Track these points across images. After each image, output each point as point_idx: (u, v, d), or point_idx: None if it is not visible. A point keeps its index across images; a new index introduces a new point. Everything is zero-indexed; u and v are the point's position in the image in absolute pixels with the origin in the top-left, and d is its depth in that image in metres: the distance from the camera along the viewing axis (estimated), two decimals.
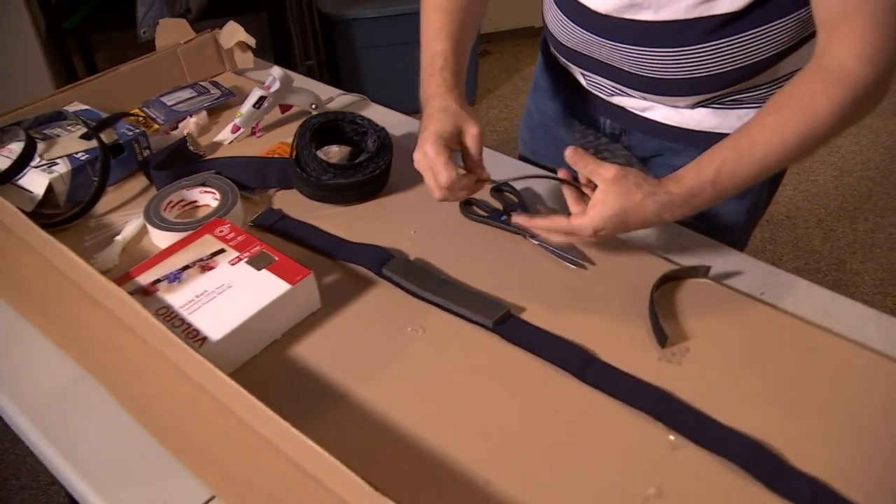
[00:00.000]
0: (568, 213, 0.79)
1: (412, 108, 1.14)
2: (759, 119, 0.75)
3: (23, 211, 0.84)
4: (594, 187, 0.77)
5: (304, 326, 0.81)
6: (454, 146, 0.83)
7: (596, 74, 0.97)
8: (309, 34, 2.54)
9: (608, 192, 0.75)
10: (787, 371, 0.74)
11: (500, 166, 1.05)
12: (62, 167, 0.98)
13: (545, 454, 0.67)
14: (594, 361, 0.75)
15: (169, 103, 1.16)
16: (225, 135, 1.12)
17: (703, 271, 0.85)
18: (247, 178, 1.00)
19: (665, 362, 0.75)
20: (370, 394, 0.73)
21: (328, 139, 1.03)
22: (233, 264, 0.81)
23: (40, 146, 1.01)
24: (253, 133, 1.13)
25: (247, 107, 1.10)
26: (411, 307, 0.82)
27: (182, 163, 1.03)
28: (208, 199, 0.98)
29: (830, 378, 0.74)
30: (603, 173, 0.76)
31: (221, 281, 0.79)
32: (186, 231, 0.89)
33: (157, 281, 0.80)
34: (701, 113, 0.93)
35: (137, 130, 1.05)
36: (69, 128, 1.06)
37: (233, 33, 1.28)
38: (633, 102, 0.97)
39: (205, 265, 0.81)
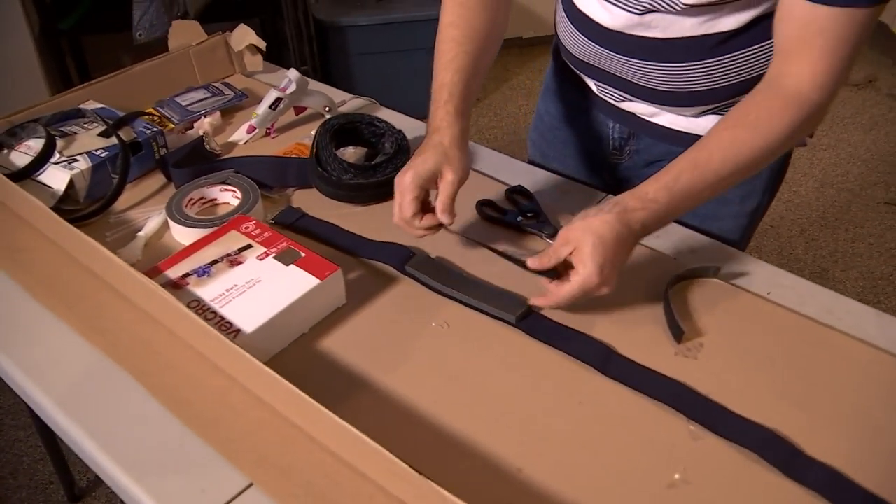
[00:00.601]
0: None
1: (405, 113, 1.20)
2: (715, 134, 0.78)
3: None
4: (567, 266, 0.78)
5: (331, 321, 0.83)
6: (431, 186, 0.85)
7: (606, 84, 1.01)
8: (304, 40, 2.56)
9: (579, 242, 0.75)
10: (795, 365, 0.78)
11: (508, 170, 1.08)
12: (82, 163, 0.99)
13: (573, 443, 0.70)
14: (614, 356, 0.78)
15: (183, 103, 1.17)
16: (240, 135, 1.13)
17: (713, 271, 0.88)
18: (266, 176, 1.02)
19: (681, 357, 0.79)
20: (399, 386, 0.75)
21: (345, 140, 1.05)
22: (261, 259, 0.83)
23: (59, 143, 1.02)
24: (268, 134, 1.15)
25: (263, 108, 1.12)
26: (434, 303, 0.85)
27: (199, 161, 1.05)
28: (228, 196, 0.99)
29: (836, 372, 0.77)
30: (560, 240, 0.77)
31: (250, 275, 0.81)
32: (209, 228, 0.90)
33: (187, 275, 0.81)
34: (707, 119, 0.97)
35: (155, 129, 1.07)
36: (86, 125, 1.07)
37: (243, 36, 1.30)
38: (642, 108, 1.01)
39: (233, 260, 0.83)
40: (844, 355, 0.79)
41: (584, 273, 0.74)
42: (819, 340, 0.81)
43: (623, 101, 1.02)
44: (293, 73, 1.12)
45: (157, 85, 1.21)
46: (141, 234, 0.94)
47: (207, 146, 1.08)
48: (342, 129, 1.02)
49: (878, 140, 2.89)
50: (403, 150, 1.01)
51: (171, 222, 0.94)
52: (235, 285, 0.80)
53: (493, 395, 0.74)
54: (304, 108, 1.18)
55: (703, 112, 0.96)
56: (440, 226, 0.86)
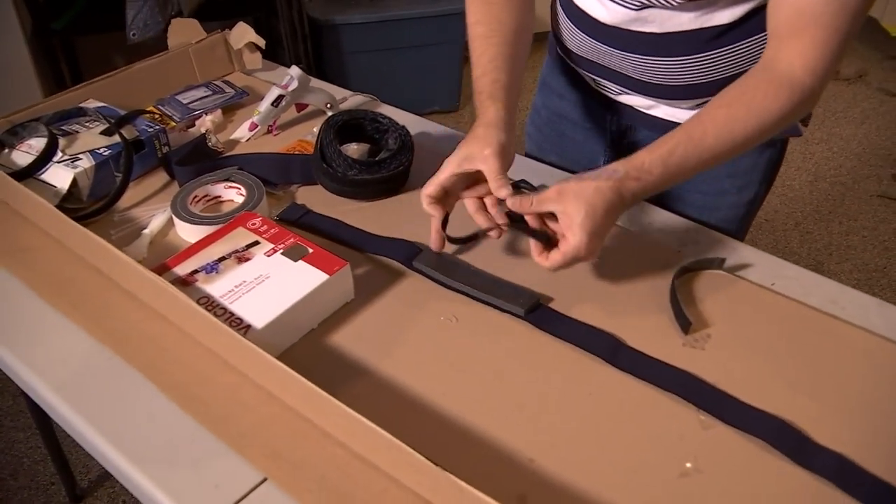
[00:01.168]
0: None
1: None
2: (710, 111, 0.80)
3: None
4: (545, 227, 0.79)
5: (340, 316, 0.83)
6: (471, 166, 0.82)
7: (603, 78, 1.02)
8: (299, 38, 2.56)
9: (570, 208, 0.76)
10: (801, 355, 0.79)
11: None
12: (85, 162, 0.99)
13: (584, 433, 0.70)
14: (623, 347, 0.78)
15: (184, 101, 1.17)
16: (242, 132, 1.13)
17: (718, 263, 0.89)
18: (269, 173, 1.02)
19: (689, 348, 0.79)
20: (409, 379, 0.75)
21: (348, 137, 1.05)
22: (268, 256, 0.83)
23: (61, 142, 1.02)
24: (269, 131, 1.15)
25: (265, 105, 1.12)
26: (442, 298, 0.85)
27: (202, 159, 1.05)
28: (233, 194, 1.00)
29: (842, 361, 0.78)
30: (551, 193, 0.78)
31: (259, 272, 0.81)
32: (214, 225, 0.90)
33: (195, 272, 0.81)
34: None
35: (157, 127, 1.07)
36: (87, 124, 1.07)
37: (243, 34, 1.30)
38: (639, 101, 1.01)
39: (241, 256, 0.83)
40: (850, 344, 0.80)
41: (574, 243, 0.75)
42: (824, 330, 0.82)
43: (620, 94, 1.03)
44: (295, 71, 1.12)
45: (156, 83, 1.21)
46: (146, 231, 0.94)
47: (210, 144, 1.08)
48: (346, 126, 1.02)
49: (869, 134, 2.91)
50: (407, 146, 1.01)
51: (176, 220, 0.94)
52: (244, 281, 0.80)
53: (502, 388, 0.75)
54: (306, 106, 1.18)
55: (700, 104, 0.97)
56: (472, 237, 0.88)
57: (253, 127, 1.13)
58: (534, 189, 1.01)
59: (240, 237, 0.86)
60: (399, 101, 1.28)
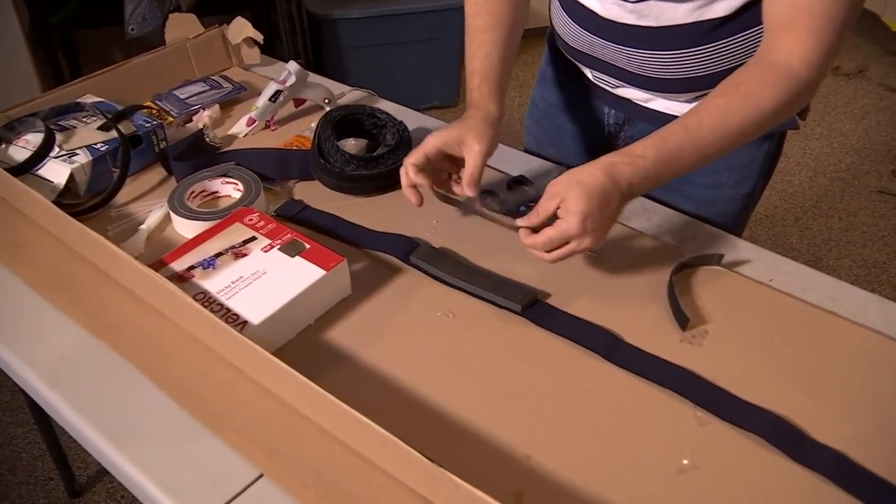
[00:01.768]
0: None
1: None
2: (707, 101, 0.80)
3: None
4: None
5: (337, 312, 0.83)
6: (453, 151, 0.86)
7: (601, 72, 1.02)
8: (297, 33, 2.55)
9: (564, 194, 0.76)
10: (800, 351, 0.79)
11: (508, 159, 1.08)
12: (82, 157, 0.98)
13: (581, 430, 0.70)
14: (620, 343, 0.78)
15: (182, 96, 1.17)
16: (240, 128, 1.13)
17: (716, 259, 0.89)
18: (267, 169, 1.01)
19: (686, 344, 0.79)
20: (405, 375, 0.75)
21: (346, 132, 1.05)
22: (265, 251, 0.83)
23: (58, 137, 1.01)
24: (267, 126, 1.15)
25: (263, 100, 1.12)
26: (440, 293, 0.85)
27: (200, 154, 1.05)
28: (230, 189, 0.99)
29: (840, 358, 0.78)
30: (547, 194, 0.78)
31: (256, 267, 0.81)
32: (212, 220, 0.90)
33: (192, 267, 0.81)
34: None
35: (155, 122, 1.06)
36: (84, 119, 1.07)
37: (240, 29, 1.29)
38: (637, 94, 1.01)
39: (238, 252, 0.83)
40: (848, 341, 0.80)
41: (567, 221, 0.75)
42: (822, 326, 0.81)
43: (618, 87, 1.02)
44: (293, 66, 1.11)
45: (154, 78, 1.21)
46: (143, 227, 0.94)
47: (207, 139, 1.07)
48: (343, 121, 1.02)
49: (869, 129, 2.90)
50: (405, 142, 1.01)
51: (173, 215, 0.94)
52: (241, 277, 0.80)
53: (500, 384, 0.75)
54: (304, 101, 1.18)
55: (698, 98, 0.97)
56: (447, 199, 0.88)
57: (251, 122, 1.13)
58: (531, 184, 1.00)
59: (237, 233, 0.86)
60: (398, 96, 1.27)
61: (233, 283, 0.79)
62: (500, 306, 0.82)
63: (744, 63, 0.88)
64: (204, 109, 1.16)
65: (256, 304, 0.77)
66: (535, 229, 0.79)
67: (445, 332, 0.80)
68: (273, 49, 2.57)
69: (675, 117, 0.99)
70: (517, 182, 1.01)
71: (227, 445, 0.68)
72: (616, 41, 0.93)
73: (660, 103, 1.01)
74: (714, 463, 0.67)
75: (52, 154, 0.99)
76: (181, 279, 0.80)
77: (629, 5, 0.87)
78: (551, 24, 1.08)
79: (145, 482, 0.66)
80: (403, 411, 0.72)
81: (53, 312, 0.83)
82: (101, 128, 1.04)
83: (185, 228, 0.93)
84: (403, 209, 0.98)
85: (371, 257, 0.90)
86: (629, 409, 0.72)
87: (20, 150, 1.00)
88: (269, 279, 0.80)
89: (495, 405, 0.72)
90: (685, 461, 0.67)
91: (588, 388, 0.74)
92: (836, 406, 0.73)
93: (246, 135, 1.13)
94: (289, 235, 0.85)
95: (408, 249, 0.88)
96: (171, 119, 1.13)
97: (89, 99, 1.11)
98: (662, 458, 0.68)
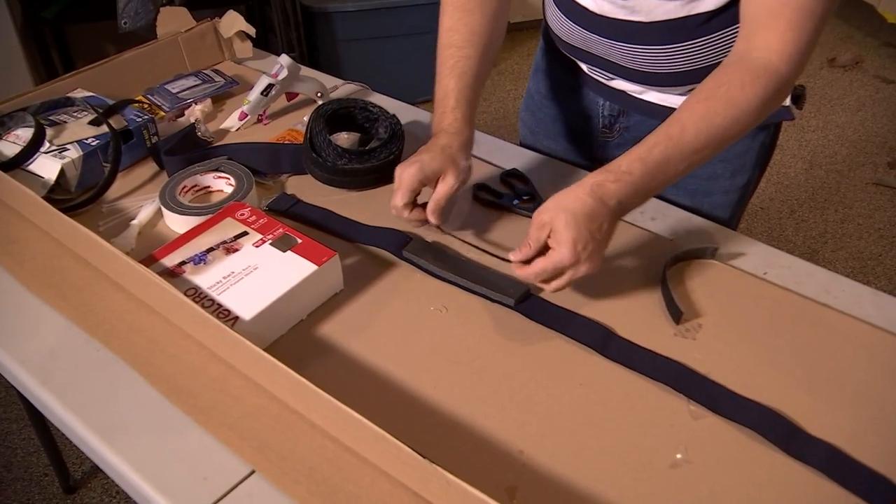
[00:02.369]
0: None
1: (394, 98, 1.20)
2: (688, 107, 0.79)
3: None
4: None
5: (329, 307, 0.82)
6: (430, 184, 0.87)
7: (594, 66, 1.01)
8: (291, 26, 2.54)
9: (552, 222, 0.75)
10: (794, 345, 0.78)
11: (502, 153, 1.08)
12: (73, 152, 0.98)
13: (574, 424, 0.70)
14: (614, 337, 0.78)
15: (173, 91, 1.16)
16: (232, 122, 1.12)
17: (710, 252, 0.88)
18: (259, 163, 1.01)
19: (680, 337, 0.79)
20: (398, 370, 0.75)
21: (338, 126, 1.04)
22: (257, 246, 0.82)
23: (49, 132, 1.01)
24: (259, 121, 1.14)
25: (254, 94, 1.11)
26: (432, 288, 0.85)
27: (192, 149, 1.04)
28: (222, 184, 0.99)
29: (835, 351, 0.78)
30: (535, 224, 0.77)
31: (247, 262, 0.80)
32: (203, 215, 0.90)
33: (183, 263, 0.81)
34: None
35: (146, 116, 1.06)
36: (75, 114, 1.06)
37: (233, 22, 1.28)
38: (631, 86, 1.01)
39: (229, 247, 0.82)
40: (842, 334, 0.80)
41: (559, 252, 0.74)
42: (817, 320, 0.81)
43: (612, 79, 1.02)
44: (285, 59, 1.10)
45: (145, 72, 1.20)
46: (134, 222, 0.93)
47: (199, 133, 1.07)
48: (336, 115, 1.02)
49: (865, 121, 2.90)
50: (398, 136, 1.01)
51: (164, 210, 0.93)
52: (232, 272, 0.79)
53: (492, 378, 0.74)
54: (296, 95, 1.17)
55: (691, 90, 0.96)
56: (424, 224, 0.89)
57: (243, 116, 1.12)
58: (523, 177, 1.00)
59: (228, 228, 0.85)
60: (392, 89, 1.27)
61: (224, 278, 0.79)
62: (493, 300, 0.82)
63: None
64: (196, 104, 1.15)
65: (248, 300, 0.76)
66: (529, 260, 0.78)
67: (438, 327, 0.80)
68: (267, 42, 2.57)
69: (670, 109, 1.00)
70: (511, 176, 1.01)
71: (218, 441, 0.68)
72: (609, 37, 0.92)
73: (654, 95, 1.00)
74: (707, 457, 0.67)
75: (43, 149, 0.98)
76: (172, 275, 0.79)
77: (620, 1, 0.87)
78: (545, 19, 1.07)
79: (136, 478, 0.66)
80: (396, 406, 0.72)
81: (44, 308, 0.82)
82: (91, 122, 1.03)
83: (177, 224, 0.92)
84: None
85: (363, 252, 0.90)
86: (622, 403, 0.72)
87: (10, 146, 0.99)
88: (260, 274, 0.79)
89: (488, 399, 0.72)
90: (678, 455, 0.67)
91: (581, 382, 0.74)
92: (830, 399, 0.72)
93: (238, 129, 1.12)
94: (280, 230, 0.84)
95: (400, 243, 0.88)
96: (162, 113, 1.12)
97: (80, 93, 1.10)
98: (656, 452, 0.67)
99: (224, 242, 0.83)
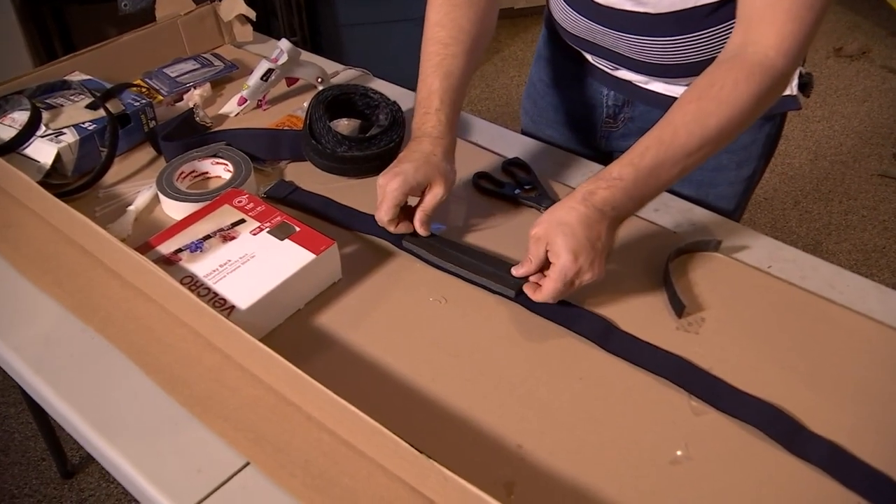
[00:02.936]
0: None
1: (396, 84, 1.18)
2: (680, 108, 0.77)
3: None
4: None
5: (327, 296, 0.81)
6: (415, 194, 0.84)
7: (598, 57, 1.00)
8: (293, 10, 2.52)
9: (548, 236, 0.74)
10: (797, 340, 0.77)
11: (503, 141, 1.07)
12: (70, 137, 0.97)
13: (574, 419, 0.69)
14: (615, 330, 0.77)
15: (172, 74, 1.15)
16: (231, 107, 1.11)
17: (713, 245, 0.87)
18: (258, 149, 1.00)
19: (682, 331, 0.78)
20: (396, 361, 0.74)
21: (338, 112, 1.03)
22: (254, 234, 0.81)
23: (45, 115, 0.99)
24: (259, 106, 1.13)
25: (254, 79, 1.09)
26: (432, 278, 0.84)
27: (190, 134, 1.03)
28: (220, 170, 0.97)
29: (838, 346, 0.77)
30: (532, 240, 0.76)
31: (244, 251, 0.79)
32: (200, 202, 0.88)
33: (179, 250, 0.80)
34: None
35: (144, 101, 1.04)
36: (72, 97, 1.05)
37: (233, 6, 1.27)
38: (637, 76, 1.00)
39: (226, 235, 0.81)
40: (846, 329, 0.78)
41: (559, 265, 0.73)
42: (820, 314, 0.80)
43: (617, 69, 1.01)
44: (285, 44, 1.09)
45: (144, 56, 1.19)
46: (131, 208, 0.92)
47: (198, 118, 1.05)
48: (336, 101, 1.00)
49: (871, 112, 2.88)
50: (398, 123, 0.99)
51: (161, 196, 0.92)
52: (229, 261, 0.78)
53: (491, 371, 0.73)
54: (296, 80, 1.16)
55: None
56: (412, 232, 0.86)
57: (242, 101, 1.11)
58: (525, 167, 0.99)
59: (225, 215, 0.84)
60: (395, 75, 1.25)
61: (221, 266, 0.78)
62: (494, 292, 0.81)
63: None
64: (195, 88, 1.13)
65: (244, 289, 0.75)
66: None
67: (437, 318, 0.79)
68: (269, 26, 2.54)
69: (674, 99, 0.98)
70: (513, 165, 0.99)
71: (213, 433, 0.67)
72: (615, 28, 0.91)
73: (659, 85, 0.99)
74: (708, 454, 0.66)
75: (39, 133, 0.97)
76: (168, 262, 0.78)
77: None
78: (548, 8, 1.06)
79: (130, 469, 0.65)
80: (393, 398, 0.71)
81: (39, 295, 0.81)
82: (89, 106, 1.02)
83: (174, 210, 0.91)
84: None
85: (362, 241, 0.89)
86: (623, 398, 0.71)
87: (5, 129, 0.98)
88: (257, 263, 0.78)
89: (487, 393, 0.71)
90: (679, 452, 0.66)
91: (581, 376, 0.73)
92: (833, 396, 0.71)
93: (237, 114, 1.11)
94: (278, 218, 0.83)
95: (400, 233, 0.87)
96: (160, 98, 1.11)
97: (77, 76, 1.09)
98: (656, 448, 0.66)
99: (221, 230, 0.82)
